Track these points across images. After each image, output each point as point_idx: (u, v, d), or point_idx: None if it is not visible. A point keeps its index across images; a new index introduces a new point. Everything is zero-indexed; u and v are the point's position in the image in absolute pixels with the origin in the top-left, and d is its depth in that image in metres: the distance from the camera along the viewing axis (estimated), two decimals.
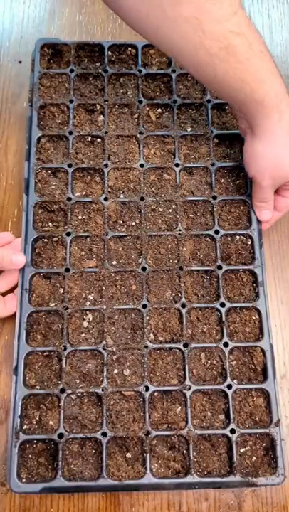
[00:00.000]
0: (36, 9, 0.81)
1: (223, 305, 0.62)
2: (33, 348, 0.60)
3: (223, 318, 0.62)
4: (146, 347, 0.60)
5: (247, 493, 0.58)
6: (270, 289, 0.66)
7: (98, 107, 0.71)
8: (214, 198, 0.67)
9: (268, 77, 0.56)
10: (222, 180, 0.69)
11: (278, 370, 0.63)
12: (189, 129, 0.71)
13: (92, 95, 0.72)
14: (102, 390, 0.58)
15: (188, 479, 0.56)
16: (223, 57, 0.54)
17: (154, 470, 0.56)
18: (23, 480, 0.55)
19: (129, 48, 0.75)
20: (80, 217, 0.66)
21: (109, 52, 0.74)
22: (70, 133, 0.69)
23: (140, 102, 0.72)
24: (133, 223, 0.66)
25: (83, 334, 0.61)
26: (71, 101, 0.71)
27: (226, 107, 0.72)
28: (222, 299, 0.63)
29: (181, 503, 0.58)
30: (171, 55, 0.59)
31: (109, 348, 0.60)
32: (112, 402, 0.58)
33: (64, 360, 0.59)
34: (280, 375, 0.63)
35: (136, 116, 0.71)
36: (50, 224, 0.66)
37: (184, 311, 0.62)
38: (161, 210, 0.67)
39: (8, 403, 0.60)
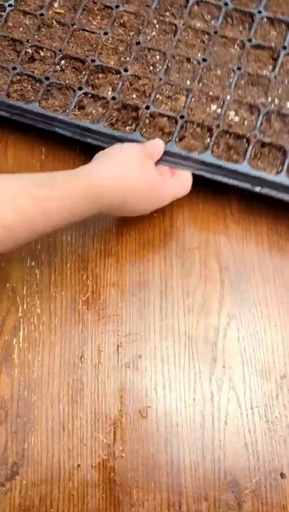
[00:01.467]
0: None
1: None
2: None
3: None
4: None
5: (247, 493, 0.55)
6: (269, 289, 0.63)
7: None
8: None
9: None
10: None
11: (278, 370, 0.60)
12: None
13: None
14: None
15: None
16: None
17: None
18: None
19: None
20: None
21: None
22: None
23: None
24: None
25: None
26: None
27: None
28: None
29: (181, 503, 0.55)
30: None
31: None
32: None
33: None
34: (280, 375, 0.60)
35: None
36: (130, 124, 0.63)
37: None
38: None
39: (8, 403, 0.57)
